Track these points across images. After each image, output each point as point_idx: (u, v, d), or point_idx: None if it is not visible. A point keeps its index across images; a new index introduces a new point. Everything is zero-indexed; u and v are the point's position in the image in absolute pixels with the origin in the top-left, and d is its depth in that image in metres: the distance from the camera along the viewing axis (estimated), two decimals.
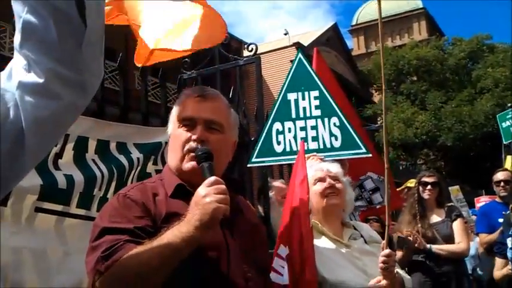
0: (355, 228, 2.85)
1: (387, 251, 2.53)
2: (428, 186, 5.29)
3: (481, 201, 13.25)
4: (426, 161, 33.55)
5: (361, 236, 2.81)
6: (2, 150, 1.17)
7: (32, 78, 1.19)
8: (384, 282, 2.47)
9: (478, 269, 5.85)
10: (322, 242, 2.62)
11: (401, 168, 29.55)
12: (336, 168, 2.89)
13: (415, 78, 32.96)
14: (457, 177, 25.89)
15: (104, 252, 1.68)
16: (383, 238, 2.63)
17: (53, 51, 1.18)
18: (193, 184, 1.86)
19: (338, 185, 2.80)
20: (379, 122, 9.46)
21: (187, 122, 1.98)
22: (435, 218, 5.25)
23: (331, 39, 35.47)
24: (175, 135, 2.00)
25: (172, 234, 1.66)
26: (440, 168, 32.09)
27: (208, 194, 1.69)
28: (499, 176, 6.12)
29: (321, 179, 2.80)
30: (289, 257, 2.39)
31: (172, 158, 2.00)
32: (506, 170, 6.65)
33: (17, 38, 1.20)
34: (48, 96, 1.20)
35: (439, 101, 30.21)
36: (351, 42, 50.50)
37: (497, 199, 6.11)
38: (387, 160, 2.97)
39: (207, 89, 2.10)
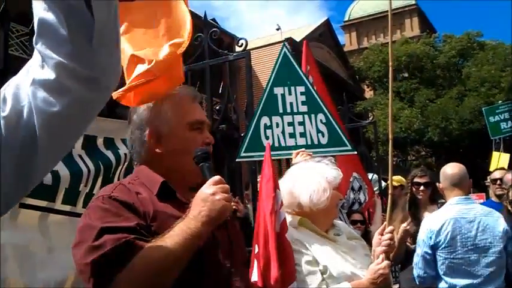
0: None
1: (390, 227, 2.70)
2: (421, 187, 5.26)
3: None
4: (417, 157, 33.67)
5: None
6: (10, 155, 1.16)
7: (44, 74, 1.18)
8: (386, 262, 2.56)
9: None
10: (312, 239, 2.63)
11: None
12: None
13: (406, 75, 33.02)
14: None
15: (112, 252, 1.64)
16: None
17: (63, 46, 1.17)
18: (183, 184, 1.97)
19: None
20: (369, 119, 9.53)
21: (198, 126, 2.03)
22: (428, 216, 5.23)
23: (324, 34, 35.44)
24: (188, 138, 2.01)
25: (181, 231, 1.69)
26: (431, 165, 32.20)
27: (216, 192, 1.76)
28: (496, 174, 6.18)
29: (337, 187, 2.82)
30: (257, 255, 2.47)
31: (187, 161, 1.97)
32: (503, 168, 6.72)
33: (35, 36, 1.19)
34: (59, 92, 1.18)
35: (428, 99, 30.31)
36: (343, 38, 50.39)
37: (494, 198, 6.15)
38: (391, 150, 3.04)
39: (196, 91, 2.17)
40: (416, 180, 5.32)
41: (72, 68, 1.17)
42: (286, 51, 4.02)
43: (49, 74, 1.17)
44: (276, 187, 2.55)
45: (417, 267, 4.27)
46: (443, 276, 4.13)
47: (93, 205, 1.84)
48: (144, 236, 1.71)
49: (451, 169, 4.36)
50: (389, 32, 2.92)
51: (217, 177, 1.83)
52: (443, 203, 5.37)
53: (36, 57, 1.21)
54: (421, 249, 4.24)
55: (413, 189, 5.29)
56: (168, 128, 2.00)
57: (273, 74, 3.96)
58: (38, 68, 1.19)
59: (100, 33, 1.19)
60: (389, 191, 2.89)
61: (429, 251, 4.18)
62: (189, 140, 2.00)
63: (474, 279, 4.00)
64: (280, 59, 3.99)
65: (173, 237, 1.68)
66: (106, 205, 1.79)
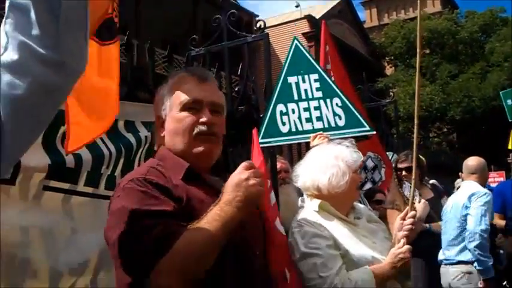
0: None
1: (413, 212, 2.63)
2: (403, 172, 5.25)
3: (490, 177, 13.34)
4: (439, 135, 33.33)
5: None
6: None
7: (8, 55, 1.16)
8: (407, 246, 2.52)
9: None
10: (333, 223, 2.62)
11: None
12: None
13: (427, 51, 32.44)
14: (469, 151, 25.75)
15: (155, 237, 1.64)
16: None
17: (30, 27, 1.15)
18: (199, 167, 1.92)
19: None
20: (390, 97, 9.52)
21: (192, 105, 1.94)
22: (425, 197, 5.22)
23: (343, 11, 35.00)
24: (178, 118, 1.94)
25: (219, 216, 1.70)
26: (452, 142, 31.90)
27: (250, 177, 1.77)
28: None
29: (357, 170, 2.78)
30: None
31: (178, 141, 1.94)
32: None
33: (4, 17, 1.18)
34: (23, 74, 1.15)
35: (450, 75, 29.83)
36: (363, 15, 49.76)
37: None
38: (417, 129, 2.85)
39: (205, 70, 2.12)
40: (398, 165, 5.33)
41: (37, 50, 1.15)
42: (298, 43, 4.02)
43: (12, 55, 1.15)
44: (266, 175, 2.56)
45: None
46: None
47: (127, 187, 1.78)
48: (180, 221, 1.69)
49: (471, 161, 5.43)
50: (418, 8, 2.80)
51: (248, 162, 1.84)
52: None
53: (1, 39, 1.19)
54: None
55: (398, 173, 5.30)
56: (165, 110, 1.98)
57: (286, 65, 3.95)
58: (2, 50, 1.17)
59: (67, 17, 1.17)
60: (413, 176, 2.77)
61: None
62: (178, 120, 1.94)
63: (444, 242, 5.13)
64: (291, 52, 3.98)
65: (212, 222, 1.68)
66: (143, 187, 1.75)
